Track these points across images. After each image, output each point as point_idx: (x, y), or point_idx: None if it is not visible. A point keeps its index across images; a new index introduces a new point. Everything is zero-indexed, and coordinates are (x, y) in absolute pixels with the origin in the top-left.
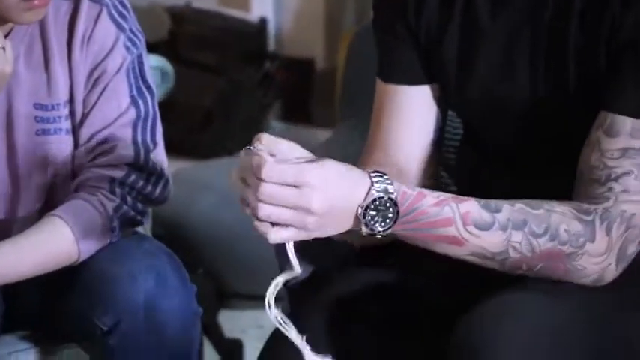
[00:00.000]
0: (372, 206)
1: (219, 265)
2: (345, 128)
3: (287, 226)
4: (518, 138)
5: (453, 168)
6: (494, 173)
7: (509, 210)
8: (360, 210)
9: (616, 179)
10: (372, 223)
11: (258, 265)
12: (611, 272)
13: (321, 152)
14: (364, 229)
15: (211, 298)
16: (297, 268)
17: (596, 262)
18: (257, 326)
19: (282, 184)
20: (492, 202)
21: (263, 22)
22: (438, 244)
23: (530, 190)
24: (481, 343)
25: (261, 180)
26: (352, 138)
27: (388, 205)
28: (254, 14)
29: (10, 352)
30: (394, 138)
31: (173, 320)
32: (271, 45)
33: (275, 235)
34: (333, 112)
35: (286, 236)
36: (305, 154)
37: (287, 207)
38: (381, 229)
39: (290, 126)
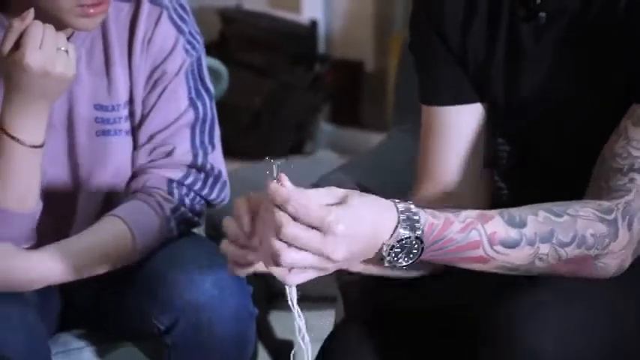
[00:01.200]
0: (398, 245)
1: None
2: (398, 133)
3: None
4: (562, 147)
5: (504, 173)
6: (541, 181)
7: (535, 222)
8: (385, 247)
9: (639, 170)
10: (396, 259)
11: None
12: (627, 261)
13: (371, 157)
14: (386, 264)
15: (261, 298)
16: (298, 314)
17: (616, 257)
18: (308, 328)
19: (307, 227)
20: (517, 215)
21: (313, 23)
22: (464, 263)
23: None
24: (518, 330)
25: (287, 214)
26: (405, 144)
27: (414, 242)
28: (304, 16)
29: (65, 351)
30: (443, 163)
31: (230, 321)
32: (321, 47)
33: (293, 279)
34: (382, 114)
35: (305, 278)
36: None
37: (309, 251)
38: (404, 264)
39: (339, 128)
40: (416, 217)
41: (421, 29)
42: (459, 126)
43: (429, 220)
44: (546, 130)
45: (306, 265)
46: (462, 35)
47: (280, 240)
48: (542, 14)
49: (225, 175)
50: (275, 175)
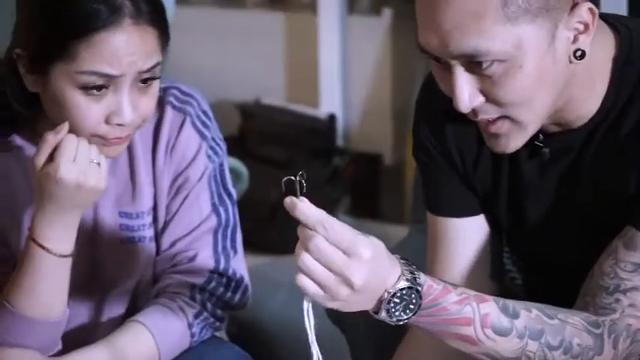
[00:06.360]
0: (399, 294)
1: None
2: (418, 232)
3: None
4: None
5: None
6: (548, 284)
7: (527, 317)
8: (386, 294)
9: (624, 292)
10: (394, 310)
11: None
12: None
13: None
14: (383, 315)
15: None
16: (311, 332)
17: None
18: None
19: (335, 246)
20: (510, 305)
21: (332, 118)
22: (453, 340)
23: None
24: None
25: (316, 232)
26: (424, 244)
27: (413, 295)
28: (323, 110)
29: None
30: (451, 274)
31: None
32: (339, 140)
33: (303, 286)
34: (401, 207)
35: (312, 293)
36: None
37: (330, 269)
38: (403, 317)
39: (358, 221)
40: (416, 272)
41: (424, 143)
42: (464, 238)
43: (427, 281)
44: (548, 250)
45: (321, 280)
46: (471, 166)
47: (307, 251)
48: (546, 150)
49: (247, 280)
50: (298, 192)
